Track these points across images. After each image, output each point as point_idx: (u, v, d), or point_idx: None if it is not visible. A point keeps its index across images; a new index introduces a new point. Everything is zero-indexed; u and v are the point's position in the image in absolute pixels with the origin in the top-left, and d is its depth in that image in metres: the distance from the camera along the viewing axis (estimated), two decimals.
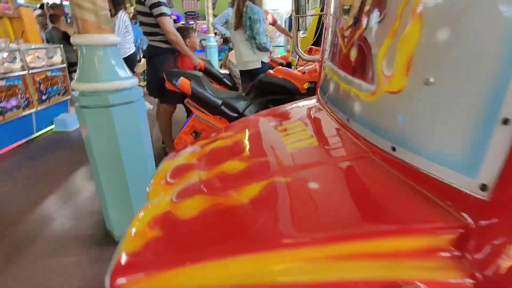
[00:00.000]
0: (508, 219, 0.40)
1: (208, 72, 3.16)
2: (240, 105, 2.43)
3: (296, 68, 3.27)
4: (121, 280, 0.49)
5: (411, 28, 0.50)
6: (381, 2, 0.57)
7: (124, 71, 1.66)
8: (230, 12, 4.09)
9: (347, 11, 0.71)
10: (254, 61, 2.76)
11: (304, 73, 2.45)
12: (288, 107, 1.19)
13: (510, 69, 0.37)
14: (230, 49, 4.06)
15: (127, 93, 1.65)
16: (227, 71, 3.98)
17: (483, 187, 0.42)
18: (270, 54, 3.06)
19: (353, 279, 0.45)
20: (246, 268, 0.47)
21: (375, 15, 0.59)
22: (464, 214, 0.45)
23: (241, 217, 0.57)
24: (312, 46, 3.82)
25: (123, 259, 0.53)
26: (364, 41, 0.64)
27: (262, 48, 2.65)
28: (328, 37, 1.02)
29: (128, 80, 1.66)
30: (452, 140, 0.46)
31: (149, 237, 0.62)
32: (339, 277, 0.45)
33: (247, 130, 0.96)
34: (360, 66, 0.66)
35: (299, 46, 1.29)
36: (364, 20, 0.63)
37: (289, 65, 3.78)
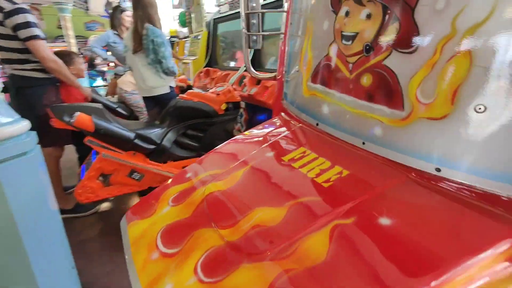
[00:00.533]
0: None
1: (98, 103, 2.70)
2: (156, 135, 2.19)
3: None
4: None
5: (458, 63, 0.54)
6: (409, 36, 0.60)
7: (6, 113, 1.20)
8: (110, 34, 3.64)
9: (350, 38, 0.72)
10: (161, 86, 2.52)
11: (218, 94, 2.43)
12: (255, 133, 1.12)
13: None
14: (116, 75, 3.58)
15: (14, 143, 1.20)
16: (114, 99, 3.50)
17: None
18: (175, 78, 2.88)
19: None
20: None
21: (404, 47, 0.62)
22: None
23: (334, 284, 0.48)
24: (209, 68, 3.84)
25: None
26: (385, 69, 0.66)
27: (169, 73, 2.46)
28: (295, 58, 1.02)
29: (14, 125, 1.21)
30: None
31: None
32: None
33: (242, 165, 0.84)
34: (381, 92, 0.68)
35: (251, 66, 1.25)
36: (384, 49, 0.65)
37: (189, 87, 3.67)
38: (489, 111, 0.53)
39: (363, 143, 0.75)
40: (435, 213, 0.58)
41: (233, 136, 2.85)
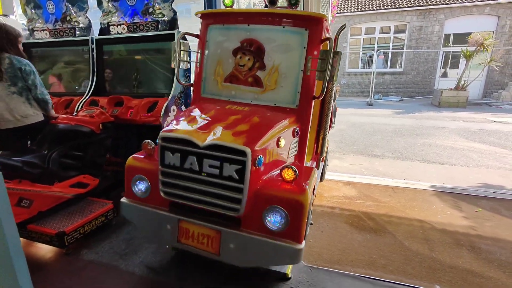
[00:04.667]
0: (302, 113, 2.10)
1: None
2: (41, 159, 2.39)
3: None
4: None
5: (276, 73, 2.08)
6: (263, 65, 2.09)
7: None
8: None
9: (242, 65, 2.11)
10: (35, 114, 2.60)
11: (92, 117, 2.89)
12: (206, 111, 2.18)
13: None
14: None
15: None
16: None
17: (296, 104, 2.10)
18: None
19: None
20: None
21: (261, 69, 2.10)
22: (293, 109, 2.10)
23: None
24: None
25: None
26: (256, 76, 2.10)
27: (44, 100, 2.63)
28: (210, 74, 2.26)
29: None
30: (288, 94, 2.10)
31: None
32: None
33: (212, 111, 1.98)
34: (255, 83, 2.11)
35: (180, 79, 2.29)
36: (255, 69, 2.10)
37: None
38: (283, 86, 2.10)
39: (251, 101, 2.14)
40: (271, 115, 2.04)
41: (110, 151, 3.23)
